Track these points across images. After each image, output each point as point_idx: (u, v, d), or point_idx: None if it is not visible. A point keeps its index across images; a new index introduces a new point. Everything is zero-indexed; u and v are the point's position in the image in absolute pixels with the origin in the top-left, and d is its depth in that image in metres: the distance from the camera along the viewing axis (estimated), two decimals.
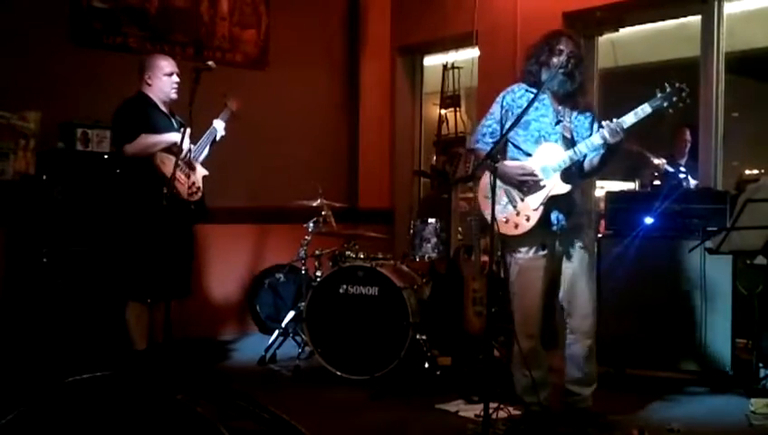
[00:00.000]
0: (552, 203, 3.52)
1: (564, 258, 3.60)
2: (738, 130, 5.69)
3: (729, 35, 5.10)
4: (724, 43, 5.07)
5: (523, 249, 3.60)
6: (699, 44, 5.13)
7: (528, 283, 3.60)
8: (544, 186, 3.52)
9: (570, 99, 3.59)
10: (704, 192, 4.81)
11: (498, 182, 3.59)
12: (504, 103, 3.64)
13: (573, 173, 3.56)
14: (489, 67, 6.15)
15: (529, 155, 3.58)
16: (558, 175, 3.50)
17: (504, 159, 3.61)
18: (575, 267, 3.59)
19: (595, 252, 3.69)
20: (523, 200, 3.56)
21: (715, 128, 5.08)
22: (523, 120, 3.53)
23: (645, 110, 3.33)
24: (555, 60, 3.50)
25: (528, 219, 3.54)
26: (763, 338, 4.32)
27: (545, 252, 3.59)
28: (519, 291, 3.64)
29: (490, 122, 3.69)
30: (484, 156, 3.48)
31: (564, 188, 3.50)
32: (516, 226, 3.56)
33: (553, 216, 3.55)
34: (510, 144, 3.64)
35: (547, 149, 3.54)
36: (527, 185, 3.53)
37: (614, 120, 3.36)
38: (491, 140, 3.64)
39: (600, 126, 3.40)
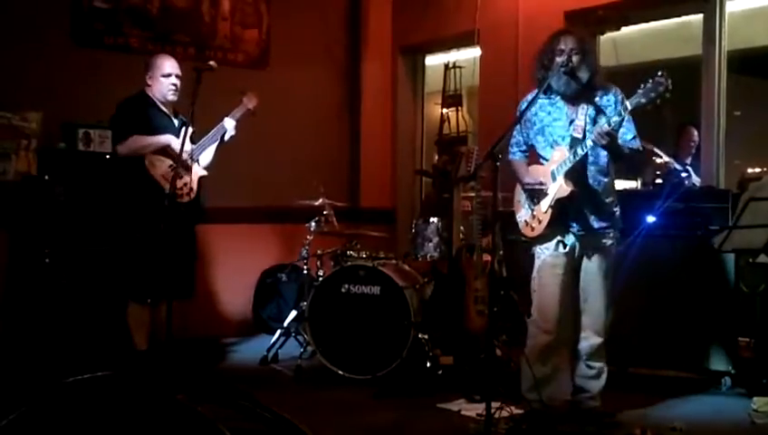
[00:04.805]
0: (560, 206, 3.56)
1: (585, 257, 3.66)
2: (740, 128, 5.68)
3: (731, 34, 5.08)
4: (726, 41, 5.05)
5: (544, 246, 3.69)
6: (701, 43, 5.11)
7: (547, 278, 3.67)
8: (549, 190, 3.58)
9: (582, 96, 3.59)
10: (706, 191, 4.80)
11: (520, 188, 3.78)
12: (518, 112, 3.73)
13: (585, 175, 3.59)
14: (491, 66, 6.15)
15: (547, 160, 3.67)
16: (561, 178, 3.53)
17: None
18: (593, 266, 3.65)
19: (614, 252, 3.71)
20: (537, 204, 3.66)
21: (717, 126, 5.06)
22: (540, 127, 3.67)
23: (626, 108, 3.36)
24: (558, 60, 3.52)
25: (540, 222, 3.64)
26: (766, 337, 4.32)
27: (566, 250, 3.64)
28: (538, 287, 3.72)
29: (514, 133, 3.80)
30: (505, 159, 3.58)
31: (566, 190, 3.52)
32: (533, 229, 3.69)
33: (565, 217, 3.60)
34: (536, 152, 3.75)
35: (556, 154, 3.61)
36: (536, 193, 3.63)
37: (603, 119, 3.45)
38: (517, 149, 3.80)
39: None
